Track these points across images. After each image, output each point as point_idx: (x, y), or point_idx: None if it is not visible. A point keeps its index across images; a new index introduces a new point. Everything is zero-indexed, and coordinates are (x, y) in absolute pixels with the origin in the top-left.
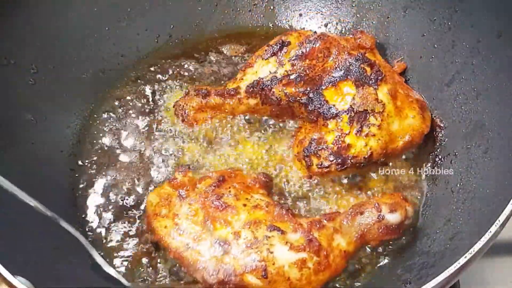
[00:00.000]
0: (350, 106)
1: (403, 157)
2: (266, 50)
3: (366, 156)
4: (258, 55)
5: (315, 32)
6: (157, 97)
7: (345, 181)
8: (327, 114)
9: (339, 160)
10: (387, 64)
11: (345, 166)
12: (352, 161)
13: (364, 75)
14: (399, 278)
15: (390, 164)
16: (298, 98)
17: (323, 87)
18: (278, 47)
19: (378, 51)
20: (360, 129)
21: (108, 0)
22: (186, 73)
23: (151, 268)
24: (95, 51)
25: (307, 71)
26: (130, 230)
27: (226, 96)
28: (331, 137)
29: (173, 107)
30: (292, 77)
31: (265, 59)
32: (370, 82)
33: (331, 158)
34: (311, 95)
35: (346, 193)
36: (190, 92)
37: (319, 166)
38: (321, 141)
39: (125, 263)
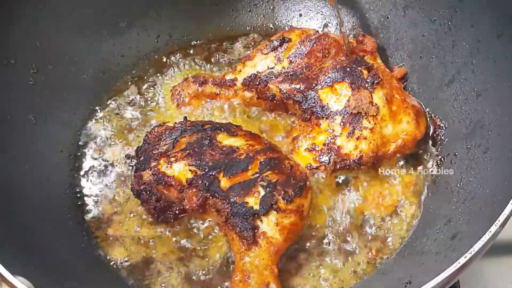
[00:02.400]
0: (344, 107)
1: (403, 158)
2: (266, 45)
3: (355, 159)
4: (259, 49)
5: (317, 31)
6: (157, 97)
7: (341, 182)
8: (320, 113)
9: (329, 161)
10: (386, 69)
11: (334, 168)
12: (341, 163)
13: (360, 78)
14: (399, 278)
15: (389, 165)
16: (292, 95)
17: (319, 87)
18: (278, 43)
19: (379, 53)
20: (352, 131)
21: (108, 0)
22: (186, 74)
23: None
24: (95, 51)
25: (304, 69)
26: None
27: (222, 86)
28: (322, 138)
29: (170, 91)
30: (288, 74)
31: (265, 54)
32: (366, 85)
33: (321, 159)
34: (305, 93)
35: (344, 193)
36: (188, 78)
37: (309, 168)
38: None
39: (126, 264)
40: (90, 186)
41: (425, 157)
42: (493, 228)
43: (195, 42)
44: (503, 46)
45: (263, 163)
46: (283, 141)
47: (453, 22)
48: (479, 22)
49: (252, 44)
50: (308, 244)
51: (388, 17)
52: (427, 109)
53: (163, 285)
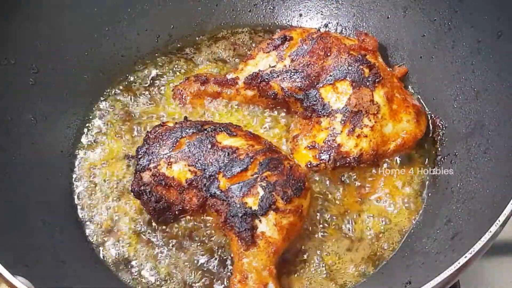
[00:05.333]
0: (345, 105)
1: (403, 157)
2: (268, 44)
3: (355, 157)
4: (260, 47)
5: (319, 30)
6: (157, 97)
7: (341, 180)
8: (321, 111)
9: (329, 159)
10: (387, 68)
11: (334, 166)
12: (341, 161)
13: (361, 77)
14: (399, 278)
15: (387, 164)
16: (294, 93)
17: (320, 85)
18: (280, 42)
19: (379, 52)
20: (352, 129)
21: (108, 0)
22: (186, 74)
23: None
24: (95, 51)
25: (306, 67)
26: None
27: (224, 85)
28: (323, 135)
29: (172, 91)
30: (290, 72)
31: (266, 52)
32: (367, 83)
33: (321, 157)
34: (307, 91)
35: (343, 191)
36: (190, 78)
37: (309, 165)
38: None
39: (125, 264)
40: (90, 186)
41: (425, 157)
42: (493, 228)
43: (195, 42)
44: (503, 46)
45: (262, 163)
46: (283, 141)
47: (453, 22)
48: (479, 22)
49: (253, 43)
50: (307, 243)
51: (388, 17)
52: (427, 109)
53: (163, 285)
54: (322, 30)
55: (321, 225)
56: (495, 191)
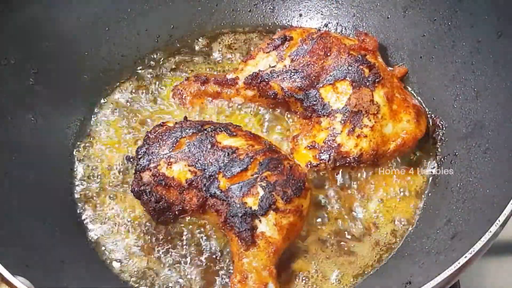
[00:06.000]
0: (345, 105)
1: (403, 157)
2: (268, 44)
3: (355, 157)
4: (260, 47)
5: (319, 29)
6: (157, 97)
7: (341, 179)
8: (321, 111)
9: (329, 159)
10: (387, 68)
11: (334, 166)
12: (341, 161)
13: (361, 77)
14: (399, 278)
15: (387, 164)
16: (294, 93)
17: (320, 85)
18: (280, 42)
19: (379, 52)
20: (352, 129)
21: (108, 0)
22: (186, 74)
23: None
24: (95, 51)
25: (306, 67)
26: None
27: (224, 85)
28: (323, 135)
29: (172, 91)
30: (290, 72)
31: (266, 52)
32: (367, 83)
33: (321, 157)
34: (307, 91)
35: (343, 191)
36: (190, 78)
37: (309, 165)
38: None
39: (126, 264)
40: (90, 186)
41: (425, 157)
42: (493, 228)
43: (195, 42)
44: (503, 46)
45: (262, 163)
46: (283, 141)
47: (453, 22)
48: (479, 22)
49: (253, 43)
50: (307, 243)
51: (388, 17)
52: (427, 109)
53: (163, 285)
54: (322, 30)
55: (320, 226)
56: (495, 191)
